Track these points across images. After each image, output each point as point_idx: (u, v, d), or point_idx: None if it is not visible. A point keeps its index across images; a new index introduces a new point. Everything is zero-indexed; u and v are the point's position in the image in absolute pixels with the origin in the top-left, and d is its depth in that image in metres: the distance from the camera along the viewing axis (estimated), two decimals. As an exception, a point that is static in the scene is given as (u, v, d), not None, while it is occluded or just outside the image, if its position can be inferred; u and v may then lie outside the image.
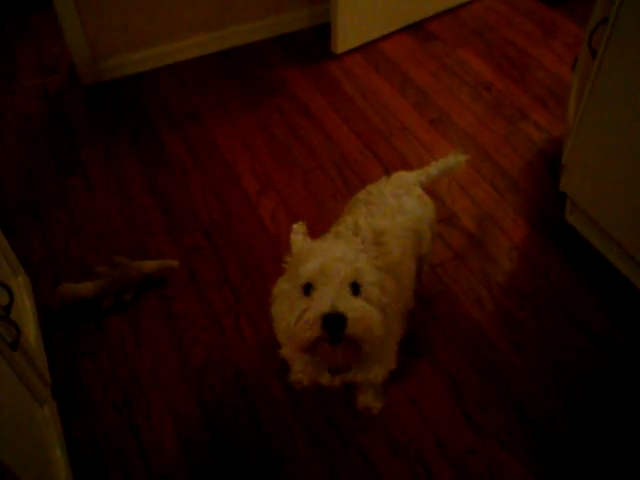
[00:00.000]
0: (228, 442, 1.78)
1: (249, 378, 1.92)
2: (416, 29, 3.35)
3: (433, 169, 1.91)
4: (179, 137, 2.76)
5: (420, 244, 1.78)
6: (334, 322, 1.26)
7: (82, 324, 2.08)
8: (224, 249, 2.29)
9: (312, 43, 3.28)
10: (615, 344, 1.98)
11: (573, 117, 2.27)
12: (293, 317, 1.31)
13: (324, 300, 1.27)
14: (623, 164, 1.95)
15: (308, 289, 1.32)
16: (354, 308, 1.29)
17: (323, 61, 3.17)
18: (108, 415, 1.85)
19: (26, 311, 1.92)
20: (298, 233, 1.50)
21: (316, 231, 1.64)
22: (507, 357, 1.95)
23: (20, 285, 1.98)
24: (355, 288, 1.32)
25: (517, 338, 2.00)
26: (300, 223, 1.53)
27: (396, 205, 1.72)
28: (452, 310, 2.08)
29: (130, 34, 3.00)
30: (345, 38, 3.14)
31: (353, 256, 1.37)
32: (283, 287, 1.43)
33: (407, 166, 2.55)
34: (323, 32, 3.26)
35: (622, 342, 1.98)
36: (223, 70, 3.13)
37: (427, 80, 3.02)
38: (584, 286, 2.14)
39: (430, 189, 2.00)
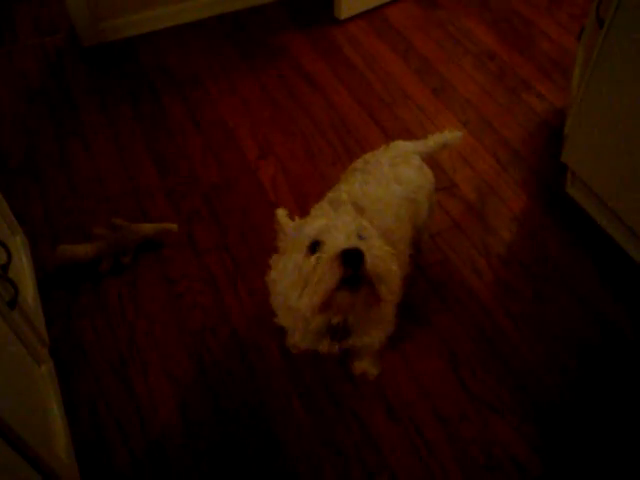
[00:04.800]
0: (224, 404, 1.80)
1: (246, 342, 1.93)
2: (421, -4, 3.31)
3: (430, 141, 1.91)
4: (179, 100, 2.74)
5: (417, 214, 1.78)
6: (354, 257, 1.23)
7: (80, 286, 2.08)
8: (223, 213, 2.28)
9: (315, 8, 3.24)
10: (612, 315, 1.99)
11: (577, 88, 2.26)
12: (305, 272, 1.29)
13: (339, 240, 1.26)
14: (626, 136, 1.94)
15: (315, 247, 1.30)
16: (370, 245, 1.29)
17: (326, 26, 3.13)
18: (105, 376, 1.86)
19: (24, 271, 1.92)
20: (284, 217, 1.52)
21: (314, 197, 1.64)
22: (503, 326, 1.96)
23: (18, 245, 1.98)
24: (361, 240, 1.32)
25: (514, 308, 2.01)
26: (282, 208, 1.56)
27: (392, 174, 1.72)
28: (450, 279, 2.08)
29: (131, -5, 2.96)
30: (349, 3, 3.10)
31: (353, 214, 1.38)
32: (287, 265, 1.39)
33: (409, 134, 2.54)
34: (327, -3, 3.22)
35: (619, 313, 1.99)
36: (225, 34, 3.09)
37: (431, 48, 2.99)
38: (583, 258, 2.14)
39: (431, 158, 1.98)
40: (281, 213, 1.54)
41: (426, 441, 1.72)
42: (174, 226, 2.17)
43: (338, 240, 1.27)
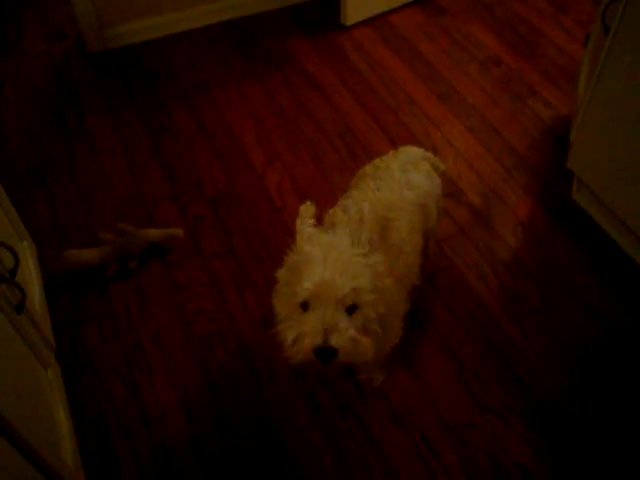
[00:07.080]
0: (230, 410, 1.80)
1: (252, 347, 1.93)
2: (426, 3, 3.31)
3: (428, 154, 1.90)
4: (185, 106, 2.75)
5: (427, 219, 1.78)
6: (325, 354, 1.30)
7: (86, 291, 2.08)
8: (229, 219, 2.28)
9: (321, 15, 3.25)
10: (617, 321, 1.98)
11: (583, 95, 2.25)
12: (290, 337, 1.34)
13: (318, 330, 1.30)
14: (632, 143, 1.94)
15: (306, 306, 1.34)
16: (345, 340, 1.31)
17: (332, 33, 3.14)
18: (111, 381, 1.86)
19: (31, 276, 1.93)
20: (305, 220, 1.47)
21: (321, 203, 1.63)
22: (509, 332, 1.96)
23: (25, 250, 1.98)
24: (351, 308, 1.34)
25: (519, 314, 2.00)
26: (308, 203, 1.51)
27: (404, 180, 1.71)
28: (456, 285, 2.08)
29: (138, 1, 2.97)
30: (355, 10, 3.11)
31: (353, 271, 1.34)
32: (282, 280, 1.44)
33: (414, 140, 2.54)
34: (333, 3, 3.22)
35: (624, 320, 1.99)
36: (231, 40, 3.10)
37: (436, 54, 2.99)
38: (588, 264, 2.14)
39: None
40: (304, 212, 1.49)
41: (432, 448, 1.71)
42: (180, 231, 2.18)
43: (317, 328, 1.30)
